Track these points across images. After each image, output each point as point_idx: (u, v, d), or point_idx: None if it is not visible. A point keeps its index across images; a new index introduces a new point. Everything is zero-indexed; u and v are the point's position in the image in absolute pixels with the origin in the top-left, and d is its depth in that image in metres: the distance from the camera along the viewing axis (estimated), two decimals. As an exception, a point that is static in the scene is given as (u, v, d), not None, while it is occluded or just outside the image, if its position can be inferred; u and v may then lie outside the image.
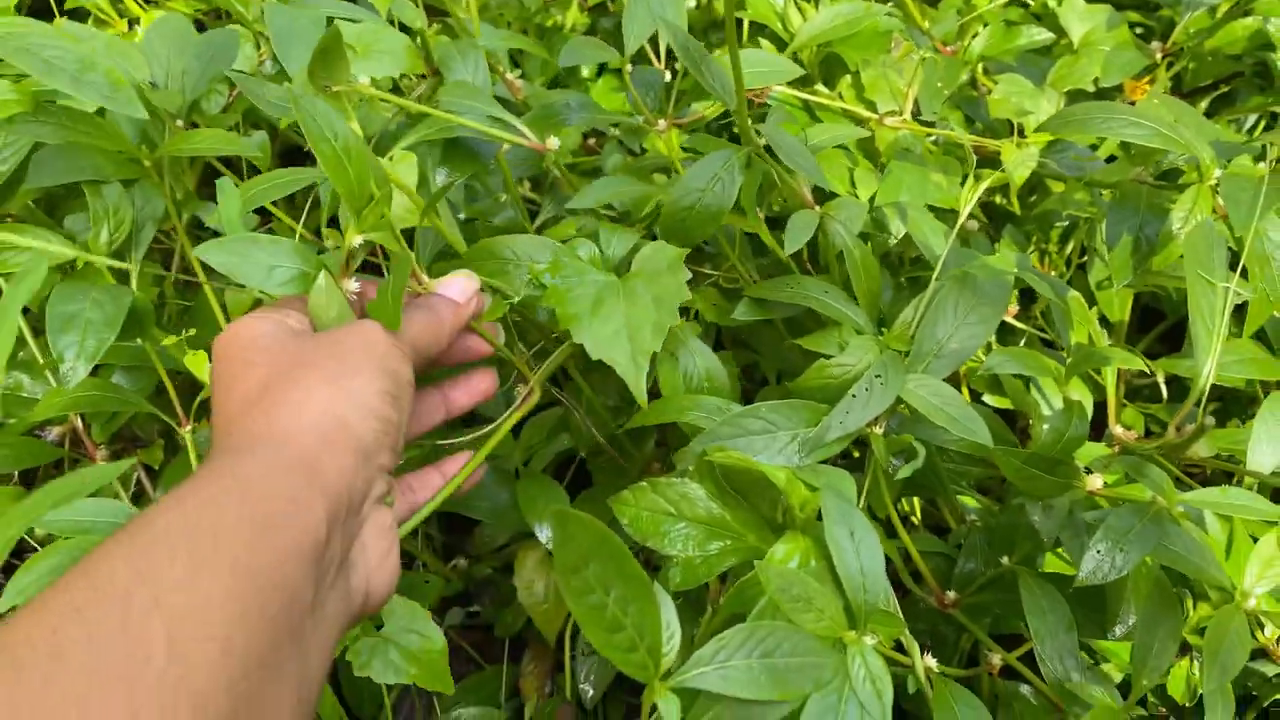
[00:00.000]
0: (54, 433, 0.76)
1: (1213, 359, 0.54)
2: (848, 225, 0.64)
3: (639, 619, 0.41)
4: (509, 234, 0.60)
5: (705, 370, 0.64)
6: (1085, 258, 0.81)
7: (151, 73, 0.70)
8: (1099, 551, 0.52)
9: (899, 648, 0.53)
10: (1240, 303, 0.60)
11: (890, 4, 0.91)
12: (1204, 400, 0.54)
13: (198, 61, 0.69)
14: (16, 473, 0.86)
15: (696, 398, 0.61)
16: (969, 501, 0.73)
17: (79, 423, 0.75)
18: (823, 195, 0.70)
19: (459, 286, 0.54)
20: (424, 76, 0.72)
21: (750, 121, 0.61)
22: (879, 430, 0.57)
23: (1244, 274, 0.58)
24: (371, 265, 0.80)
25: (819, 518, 0.50)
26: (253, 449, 0.40)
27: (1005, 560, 0.63)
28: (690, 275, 0.58)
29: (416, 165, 0.59)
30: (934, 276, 0.62)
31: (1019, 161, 0.77)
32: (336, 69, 0.52)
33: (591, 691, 0.76)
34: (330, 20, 0.59)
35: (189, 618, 0.32)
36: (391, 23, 0.81)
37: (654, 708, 0.42)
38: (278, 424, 0.41)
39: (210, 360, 0.47)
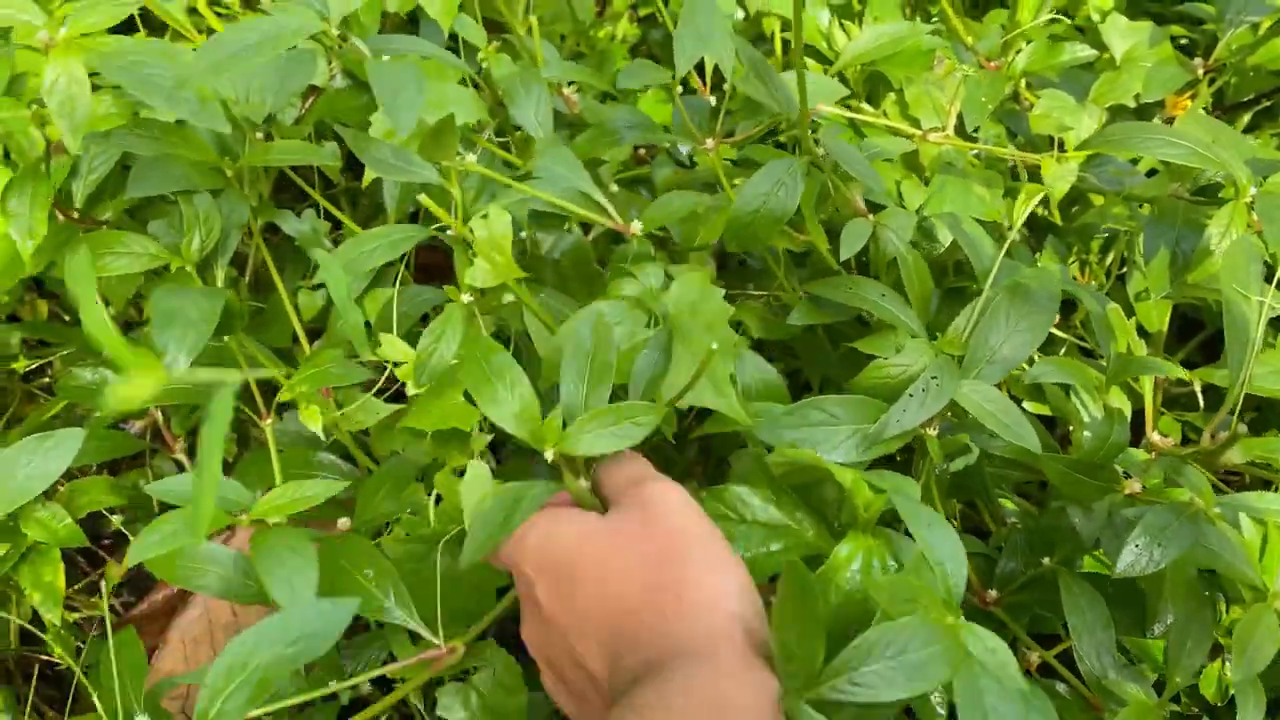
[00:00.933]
0: (137, 426, 0.80)
1: (1246, 370, 0.56)
2: (900, 234, 0.67)
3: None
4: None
5: (761, 380, 0.67)
6: (1125, 269, 0.83)
7: (233, 86, 0.74)
8: (1137, 546, 0.54)
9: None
10: (1276, 315, 0.62)
11: (935, 21, 0.94)
12: (1238, 409, 0.57)
13: (277, 77, 0.73)
14: (94, 464, 0.91)
15: (757, 405, 0.64)
16: (1008, 504, 0.76)
17: (159, 417, 0.80)
18: (873, 207, 0.73)
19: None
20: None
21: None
22: (933, 432, 0.60)
23: (1280, 288, 0.60)
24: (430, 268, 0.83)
25: (879, 519, 0.53)
26: (692, 660, 0.43)
27: (1045, 561, 0.65)
28: (724, 290, 0.62)
29: (509, 219, 0.64)
30: (987, 285, 0.65)
31: (1059, 176, 0.79)
32: (446, 147, 0.60)
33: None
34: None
35: None
36: (455, 39, 0.85)
37: None
38: (704, 639, 0.44)
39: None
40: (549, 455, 0.52)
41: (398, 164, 0.65)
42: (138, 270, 0.63)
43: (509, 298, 0.69)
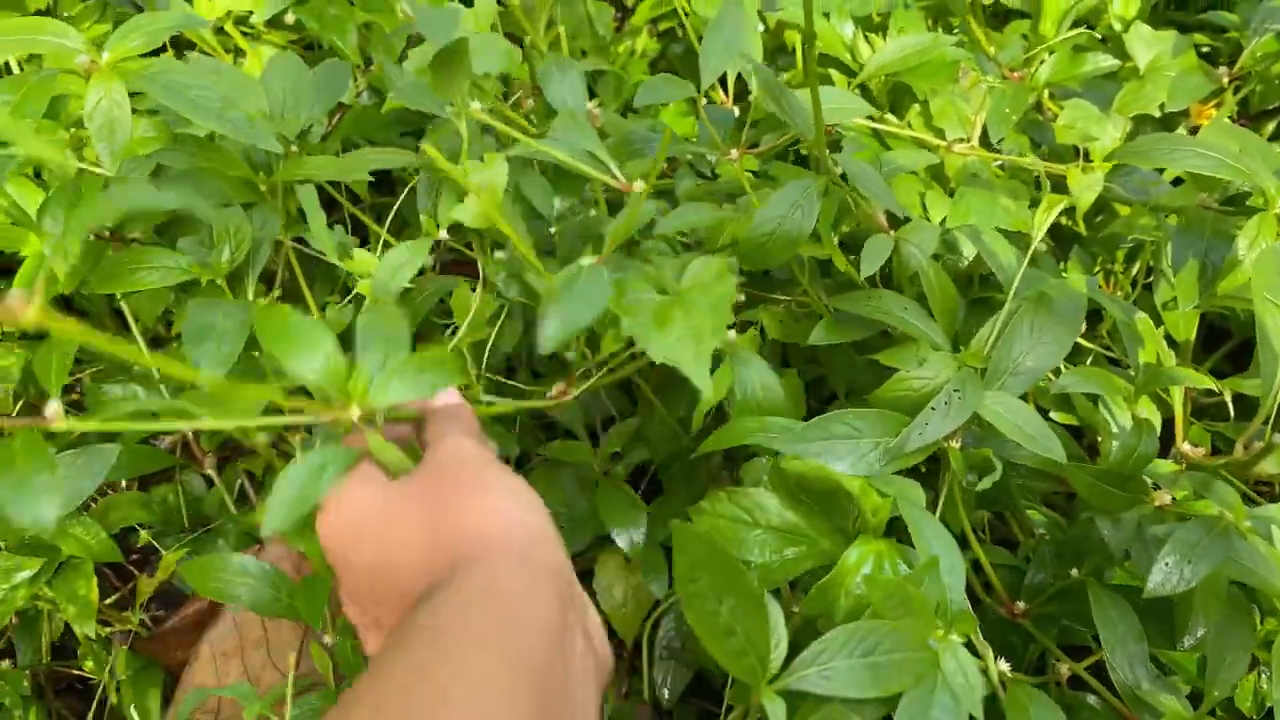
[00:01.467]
0: (167, 441, 0.81)
1: (1279, 381, 0.55)
2: (922, 248, 0.67)
3: (749, 627, 0.44)
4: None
5: (760, 385, 0.68)
6: (1151, 278, 0.83)
7: (269, 103, 0.75)
8: (1168, 564, 0.54)
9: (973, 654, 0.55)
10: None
11: (956, 33, 0.94)
12: (1271, 419, 0.56)
13: (311, 94, 0.74)
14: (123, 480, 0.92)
15: (764, 419, 0.64)
16: (1036, 515, 0.75)
17: (189, 433, 0.80)
18: (895, 219, 0.73)
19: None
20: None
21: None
22: (955, 445, 0.59)
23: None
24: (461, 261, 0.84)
25: (890, 525, 0.53)
26: (468, 570, 0.43)
27: (1074, 573, 0.65)
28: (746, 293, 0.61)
29: (506, 168, 0.66)
30: (1008, 297, 0.65)
31: (1085, 186, 0.79)
32: (456, 80, 0.62)
33: (668, 694, 0.79)
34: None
35: (466, 705, 0.36)
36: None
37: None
38: (477, 545, 0.44)
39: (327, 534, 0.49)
40: (354, 414, 0.48)
41: (416, 95, 0.69)
42: (169, 284, 0.64)
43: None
